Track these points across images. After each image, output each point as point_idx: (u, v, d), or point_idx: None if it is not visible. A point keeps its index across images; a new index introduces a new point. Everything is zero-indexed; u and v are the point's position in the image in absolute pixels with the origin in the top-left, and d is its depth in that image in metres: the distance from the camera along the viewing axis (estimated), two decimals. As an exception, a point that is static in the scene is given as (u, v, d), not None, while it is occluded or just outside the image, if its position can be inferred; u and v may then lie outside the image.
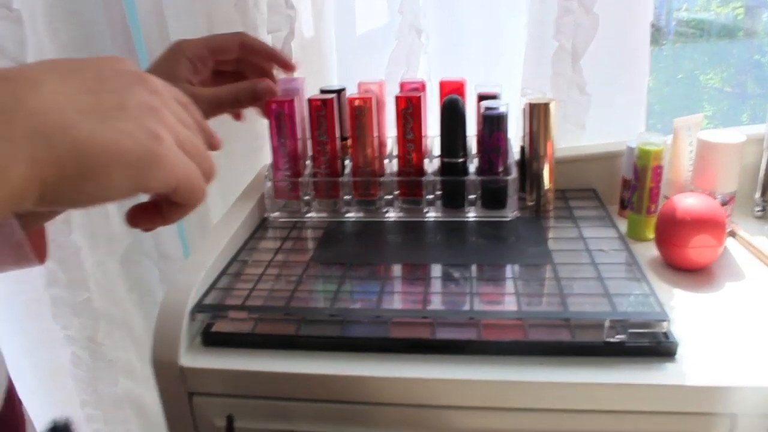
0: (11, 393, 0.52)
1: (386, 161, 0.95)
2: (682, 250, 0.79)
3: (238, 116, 0.87)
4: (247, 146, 1.13)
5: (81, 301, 1.13)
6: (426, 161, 0.92)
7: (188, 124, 0.42)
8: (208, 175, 0.42)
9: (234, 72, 0.84)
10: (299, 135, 0.93)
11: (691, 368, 0.63)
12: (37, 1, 0.98)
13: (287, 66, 0.85)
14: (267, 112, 0.90)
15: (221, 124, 1.10)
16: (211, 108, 0.76)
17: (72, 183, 0.34)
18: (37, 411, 1.19)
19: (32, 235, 0.72)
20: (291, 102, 0.89)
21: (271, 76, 0.85)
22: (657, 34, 1.55)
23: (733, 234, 0.89)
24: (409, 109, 0.88)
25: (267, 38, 1.04)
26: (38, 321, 1.15)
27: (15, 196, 0.32)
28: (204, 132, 0.44)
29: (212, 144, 0.45)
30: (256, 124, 1.10)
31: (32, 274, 1.12)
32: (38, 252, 0.61)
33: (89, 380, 1.20)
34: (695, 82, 1.72)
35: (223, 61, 0.82)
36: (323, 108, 0.89)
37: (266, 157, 1.13)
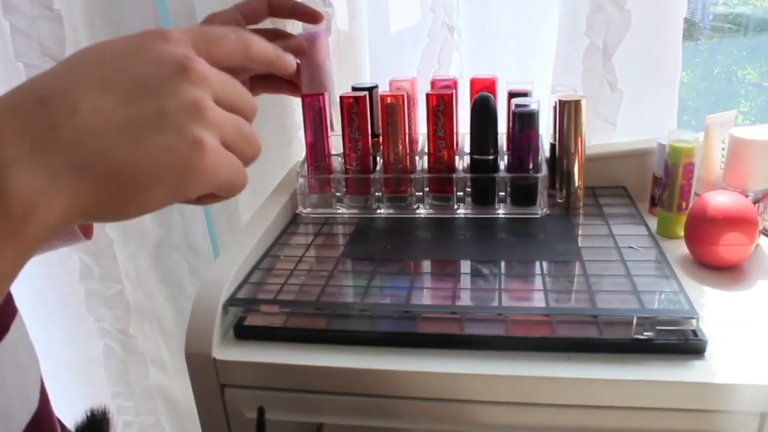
0: (43, 390, 0.53)
1: (417, 158, 0.96)
2: (713, 248, 0.78)
3: (295, 91, 0.84)
4: (275, 142, 1.14)
5: (114, 293, 1.16)
6: (456, 158, 0.93)
7: (235, 104, 0.40)
8: (252, 158, 0.41)
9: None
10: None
11: (719, 366, 0.63)
12: (76, 0, 1.00)
13: (314, 16, 0.80)
14: (303, 106, 0.91)
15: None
16: (258, 85, 0.75)
17: (112, 206, 0.35)
18: (70, 403, 1.23)
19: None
20: (323, 95, 0.90)
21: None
22: (692, 29, 1.54)
23: (765, 232, 0.88)
24: (440, 106, 0.89)
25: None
26: (73, 314, 1.19)
27: (58, 224, 0.33)
28: (250, 107, 0.42)
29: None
30: (285, 119, 1.12)
31: (66, 268, 1.15)
32: (85, 229, 0.64)
33: (121, 372, 1.24)
34: (732, 77, 1.70)
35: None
36: (355, 105, 0.90)
37: (294, 153, 1.15)
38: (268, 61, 0.45)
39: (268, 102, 1.11)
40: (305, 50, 0.79)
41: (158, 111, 0.35)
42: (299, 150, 1.14)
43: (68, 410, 0.69)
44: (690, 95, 1.61)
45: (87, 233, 0.63)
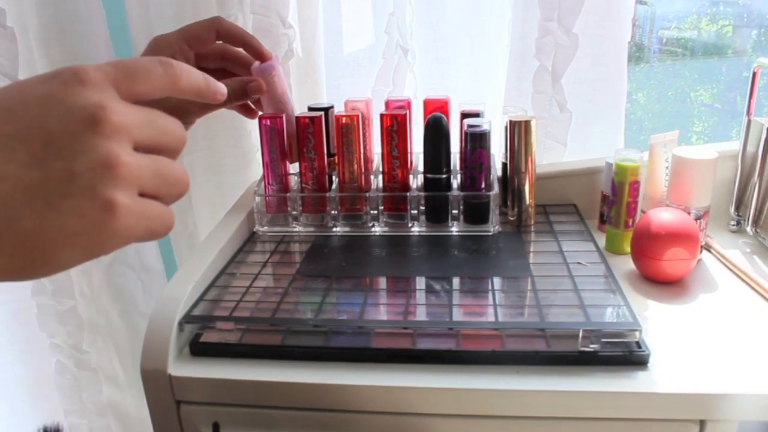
0: None
1: (372, 177, 0.98)
2: (657, 263, 0.81)
3: (250, 113, 0.88)
4: (234, 163, 1.15)
5: (66, 309, 1.15)
6: (410, 177, 0.95)
7: (158, 143, 0.39)
8: (178, 197, 0.40)
9: (217, 69, 0.83)
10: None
11: (662, 376, 0.65)
12: (31, 18, 1.00)
13: (262, 54, 0.83)
14: (259, 128, 0.92)
15: (209, 141, 1.14)
16: (198, 107, 0.75)
17: (22, 270, 0.35)
18: (19, 422, 1.21)
19: None
20: (281, 118, 0.91)
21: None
22: (644, 52, 1.59)
23: (708, 247, 0.92)
24: (395, 126, 0.91)
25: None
26: (25, 330, 1.17)
27: None
28: (176, 142, 0.40)
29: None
30: (243, 141, 1.13)
31: (19, 284, 1.14)
32: None
33: (74, 388, 1.22)
34: (685, 98, 1.75)
35: (204, 56, 0.80)
36: (311, 125, 0.91)
37: (253, 174, 1.16)
38: (198, 93, 0.43)
39: (227, 124, 1.12)
40: (263, 89, 0.81)
41: (67, 173, 0.34)
42: (258, 170, 1.15)
43: (19, 429, 0.68)
44: (646, 116, 1.66)
45: None
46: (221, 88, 0.45)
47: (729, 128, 1.71)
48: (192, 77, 0.42)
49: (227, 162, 1.15)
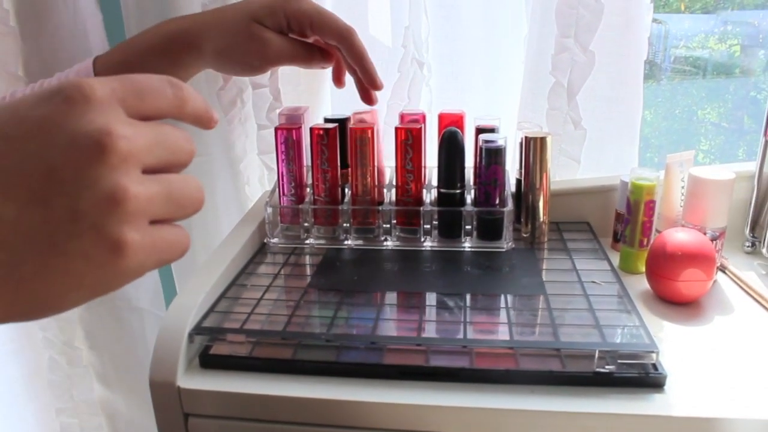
0: None
1: (385, 190, 0.97)
2: (673, 284, 0.80)
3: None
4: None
5: None
6: (424, 191, 0.94)
7: (168, 163, 0.36)
8: (193, 214, 0.38)
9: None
10: (304, 162, 0.95)
11: (678, 399, 0.64)
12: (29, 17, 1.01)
13: (374, 84, 0.86)
14: (275, 138, 0.92)
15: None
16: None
17: (26, 313, 0.33)
18: (16, 422, 1.20)
19: None
20: (299, 129, 0.91)
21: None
22: (654, 70, 1.58)
23: (723, 268, 0.91)
24: (409, 140, 0.90)
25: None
26: (18, 326, 1.17)
27: None
28: (185, 156, 0.38)
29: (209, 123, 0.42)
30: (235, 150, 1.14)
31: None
32: None
33: (65, 386, 1.22)
34: (693, 117, 1.75)
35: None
36: (325, 137, 0.91)
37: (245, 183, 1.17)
38: (197, 119, 0.41)
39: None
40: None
41: (71, 211, 0.31)
42: (243, 181, 1.18)
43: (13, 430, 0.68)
44: (653, 134, 1.66)
45: None
46: (215, 116, 0.42)
47: (736, 147, 1.71)
48: (197, 104, 0.40)
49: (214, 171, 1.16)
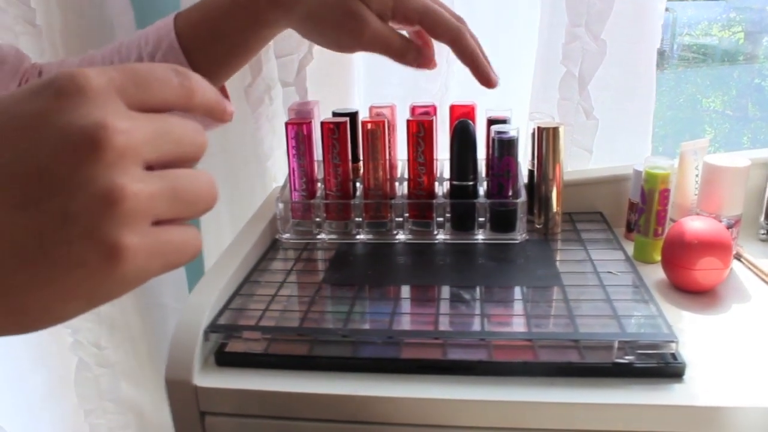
0: None
1: (397, 184, 0.97)
2: (689, 272, 0.80)
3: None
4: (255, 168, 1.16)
5: None
6: (436, 184, 0.94)
7: (174, 156, 0.33)
8: (204, 212, 0.35)
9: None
10: (315, 157, 0.95)
11: (698, 389, 0.64)
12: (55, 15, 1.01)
13: (488, 83, 0.76)
14: (286, 133, 0.92)
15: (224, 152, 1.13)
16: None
17: (17, 325, 0.30)
18: (45, 423, 1.20)
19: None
20: (309, 124, 0.91)
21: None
22: (660, 59, 1.57)
23: (738, 257, 0.90)
24: (421, 132, 0.90)
25: (274, 63, 1.07)
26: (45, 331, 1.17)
27: None
28: (195, 150, 0.35)
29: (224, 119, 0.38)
30: (257, 149, 1.13)
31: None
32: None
33: (93, 387, 1.22)
34: (697, 105, 1.75)
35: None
36: (336, 131, 0.91)
37: (272, 180, 1.16)
38: (209, 111, 0.37)
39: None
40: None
41: (62, 214, 0.28)
42: (270, 179, 1.18)
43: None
44: (657, 123, 1.65)
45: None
46: (229, 108, 0.39)
47: (740, 135, 1.70)
48: (207, 95, 0.36)
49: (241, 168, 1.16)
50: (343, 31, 0.71)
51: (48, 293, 0.29)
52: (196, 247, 0.34)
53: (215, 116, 0.37)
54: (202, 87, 0.35)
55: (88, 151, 0.29)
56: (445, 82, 1.08)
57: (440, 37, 0.73)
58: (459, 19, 0.75)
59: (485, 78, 0.76)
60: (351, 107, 1.03)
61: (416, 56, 0.75)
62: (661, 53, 1.55)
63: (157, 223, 0.32)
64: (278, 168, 1.18)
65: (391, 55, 0.74)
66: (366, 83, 1.13)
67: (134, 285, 0.31)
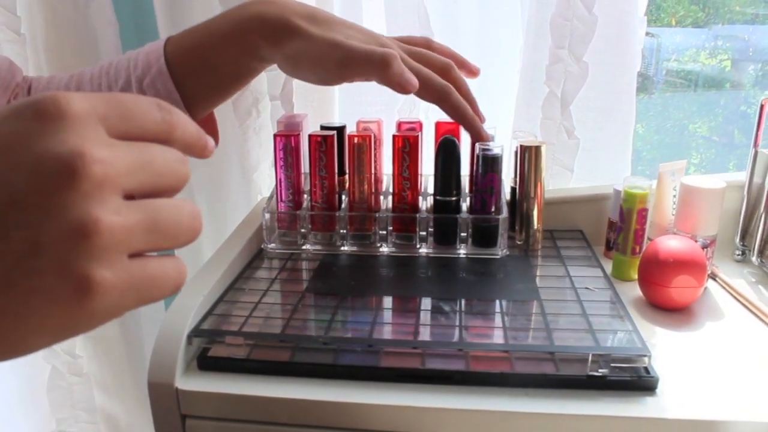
0: None
1: (381, 198, 0.99)
2: (664, 290, 0.82)
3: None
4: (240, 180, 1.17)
5: None
6: (420, 199, 0.96)
7: (155, 186, 0.32)
8: (185, 244, 0.34)
9: None
10: (302, 169, 0.96)
11: (670, 402, 0.66)
12: (39, 24, 1.02)
13: (480, 139, 0.79)
14: (274, 145, 0.93)
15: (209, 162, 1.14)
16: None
17: None
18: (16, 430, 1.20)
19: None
20: (297, 136, 0.92)
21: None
22: (647, 83, 1.60)
23: (713, 276, 0.92)
24: (406, 148, 0.91)
25: (263, 76, 1.09)
26: None
27: None
28: (177, 181, 0.34)
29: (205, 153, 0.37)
30: (244, 161, 1.15)
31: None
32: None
33: (66, 395, 1.22)
34: (684, 130, 1.77)
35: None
36: (324, 144, 0.92)
37: (258, 192, 1.18)
38: (188, 147, 0.36)
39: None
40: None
41: (32, 244, 0.27)
42: (256, 191, 1.19)
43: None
44: (645, 147, 1.68)
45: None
46: (211, 144, 0.37)
47: (726, 161, 1.72)
48: (188, 131, 0.35)
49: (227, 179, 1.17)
50: (328, 62, 0.69)
51: (12, 325, 0.28)
52: (177, 281, 0.33)
53: (195, 152, 0.37)
54: (183, 122, 0.35)
55: (62, 179, 0.27)
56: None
57: (426, 98, 0.74)
58: (445, 65, 0.76)
59: (476, 134, 0.78)
60: (335, 122, 1.05)
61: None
62: (645, 78, 1.58)
63: (135, 256, 0.31)
64: (263, 180, 1.20)
65: (378, 79, 0.71)
66: (350, 101, 1.14)
67: (106, 319, 0.30)
